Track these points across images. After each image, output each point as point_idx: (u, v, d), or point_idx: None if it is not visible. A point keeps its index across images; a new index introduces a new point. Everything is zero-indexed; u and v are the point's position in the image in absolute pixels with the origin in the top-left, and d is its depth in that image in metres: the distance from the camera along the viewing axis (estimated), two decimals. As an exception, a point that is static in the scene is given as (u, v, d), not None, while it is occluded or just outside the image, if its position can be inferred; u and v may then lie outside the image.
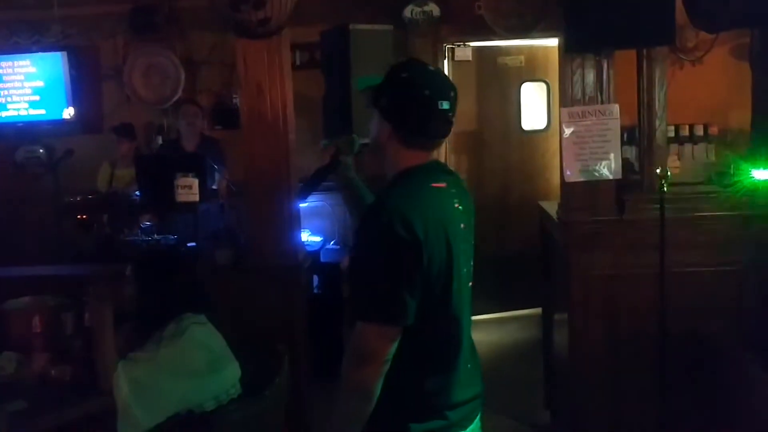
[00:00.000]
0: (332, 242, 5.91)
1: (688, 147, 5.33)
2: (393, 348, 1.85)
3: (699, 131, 5.36)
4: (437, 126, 1.98)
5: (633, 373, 3.58)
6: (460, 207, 2.02)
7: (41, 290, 3.53)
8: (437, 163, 2.08)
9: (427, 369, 1.96)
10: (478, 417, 2.12)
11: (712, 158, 5.38)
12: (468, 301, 2.05)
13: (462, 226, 2.01)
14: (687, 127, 5.27)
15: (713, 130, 5.37)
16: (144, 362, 2.84)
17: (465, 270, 2.02)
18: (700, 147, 5.39)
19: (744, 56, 5.52)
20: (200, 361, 2.92)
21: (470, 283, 2.08)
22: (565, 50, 3.43)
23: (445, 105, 1.93)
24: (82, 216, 5.40)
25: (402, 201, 1.89)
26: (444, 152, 5.93)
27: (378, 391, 1.87)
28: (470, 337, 2.11)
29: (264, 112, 3.44)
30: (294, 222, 3.55)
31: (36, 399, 2.82)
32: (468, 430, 2.04)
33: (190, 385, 2.89)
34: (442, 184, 2.00)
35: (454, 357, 1.99)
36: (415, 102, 1.93)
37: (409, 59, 2.09)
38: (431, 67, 2.02)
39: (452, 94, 1.97)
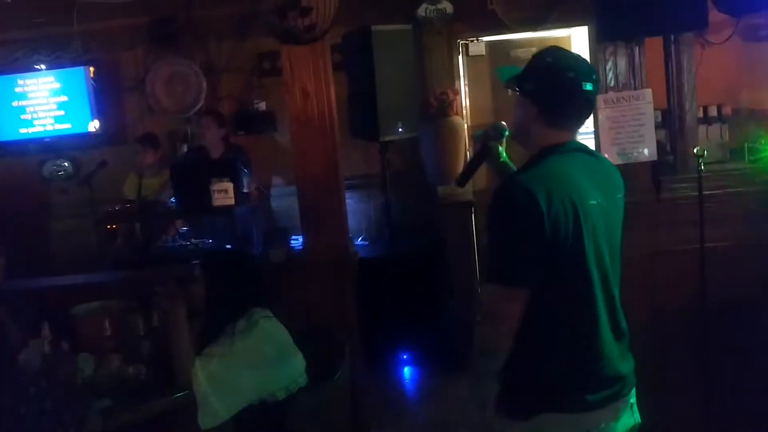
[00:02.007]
0: (360, 238, 6.04)
1: (702, 128, 5.47)
2: (517, 310, 1.94)
3: (713, 112, 5.50)
4: (581, 106, 2.08)
5: (674, 348, 3.71)
6: (594, 184, 2.06)
7: (102, 296, 3.67)
8: (578, 143, 2.15)
9: (561, 342, 2.01)
10: (630, 397, 2.13)
11: (726, 138, 5.53)
12: (610, 279, 2.09)
13: (596, 202, 2.04)
14: (701, 108, 5.42)
15: (727, 110, 5.51)
16: (219, 356, 2.98)
17: (602, 245, 2.04)
18: (714, 128, 5.52)
19: (752, 37, 5.69)
20: (271, 353, 3.06)
21: (616, 265, 2.14)
22: (597, 39, 3.57)
23: (589, 86, 2.04)
24: (110, 226, 5.52)
25: (529, 176, 2.01)
26: (464, 145, 6.06)
27: (505, 348, 1.96)
28: (617, 313, 2.14)
29: (311, 115, 3.57)
30: (343, 219, 3.69)
31: (117, 397, 2.94)
32: (611, 408, 2.04)
33: (263, 376, 3.02)
34: (577, 161, 2.07)
35: (590, 329, 2.03)
36: (561, 84, 2.04)
37: (551, 46, 2.20)
38: (573, 52, 2.14)
39: (594, 77, 2.07)
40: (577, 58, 2.11)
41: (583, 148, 2.15)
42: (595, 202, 2.03)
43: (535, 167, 2.06)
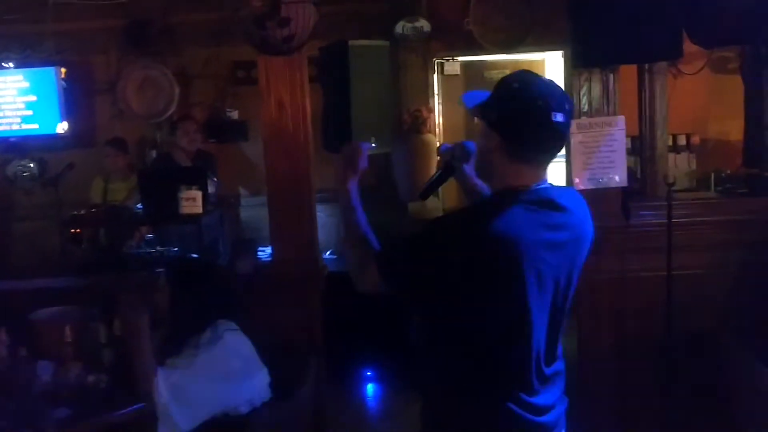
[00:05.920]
0: (328, 252, 6.00)
1: (671, 156, 5.56)
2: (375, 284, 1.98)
3: (681, 141, 5.60)
4: (550, 139, 1.84)
5: (639, 374, 3.75)
6: (554, 245, 1.84)
7: (63, 302, 3.59)
8: (547, 191, 1.88)
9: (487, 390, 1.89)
10: None
11: (693, 167, 5.64)
12: (550, 339, 1.93)
13: (555, 260, 1.84)
14: (671, 137, 5.51)
15: (695, 139, 5.63)
16: (182, 368, 2.93)
17: (550, 309, 1.87)
18: (683, 156, 5.64)
19: (721, 69, 5.81)
20: (235, 367, 3.02)
21: (562, 322, 1.97)
22: (573, 65, 3.60)
23: (559, 117, 1.79)
24: (75, 230, 5.41)
25: (472, 221, 1.82)
26: (436, 163, 6.08)
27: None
28: (549, 362, 1.96)
29: (285, 126, 3.55)
30: (313, 232, 3.66)
31: (75, 406, 2.87)
32: None
33: (226, 390, 2.98)
34: (540, 217, 1.83)
35: (522, 376, 1.87)
36: (527, 113, 1.80)
37: (521, 70, 1.94)
38: (545, 78, 1.89)
39: (567, 106, 1.83)
40: (549, 84, 1.86)
41: (551, 200, 1.87)
42: (555, 260, 1.84)
43: (489, 218, 1.80)
